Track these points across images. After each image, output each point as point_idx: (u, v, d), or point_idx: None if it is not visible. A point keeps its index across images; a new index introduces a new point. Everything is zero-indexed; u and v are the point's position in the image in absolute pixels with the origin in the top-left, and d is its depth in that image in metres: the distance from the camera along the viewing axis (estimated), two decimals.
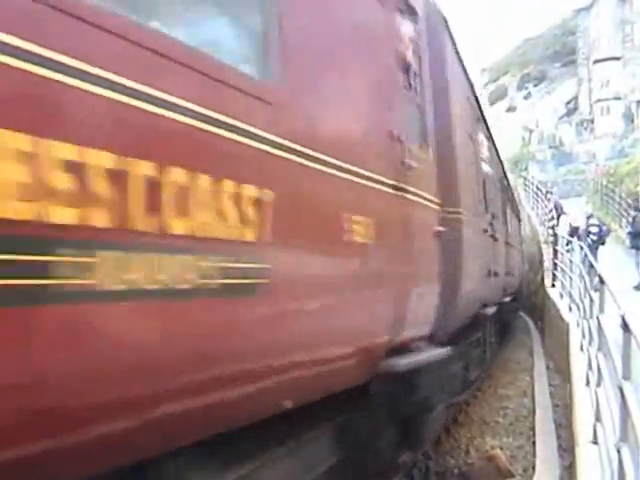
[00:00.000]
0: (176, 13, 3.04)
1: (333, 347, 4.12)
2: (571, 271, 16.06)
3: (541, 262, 23.39)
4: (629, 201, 30.84)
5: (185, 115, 2.55)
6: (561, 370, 13.74)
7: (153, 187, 2.36)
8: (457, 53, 9.27)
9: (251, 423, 3.26)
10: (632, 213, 23.59)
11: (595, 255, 17.92)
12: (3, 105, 1.88)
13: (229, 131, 2.82)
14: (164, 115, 2.44)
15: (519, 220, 23.25)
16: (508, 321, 18.04)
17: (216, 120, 2.74)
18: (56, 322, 2.06)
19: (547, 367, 15.09)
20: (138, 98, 2.33)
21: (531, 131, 79.22)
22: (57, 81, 2.03)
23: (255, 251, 3.01)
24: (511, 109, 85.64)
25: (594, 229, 21.05)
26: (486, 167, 12.13)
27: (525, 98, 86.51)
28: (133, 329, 2.38)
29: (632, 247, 20.17)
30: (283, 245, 3.25)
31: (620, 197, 33.10)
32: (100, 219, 2.13)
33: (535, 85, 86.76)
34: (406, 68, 5.56)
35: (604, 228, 21.56)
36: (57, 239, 2.01)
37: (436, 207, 6.30)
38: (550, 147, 72.80)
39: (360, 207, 4.25)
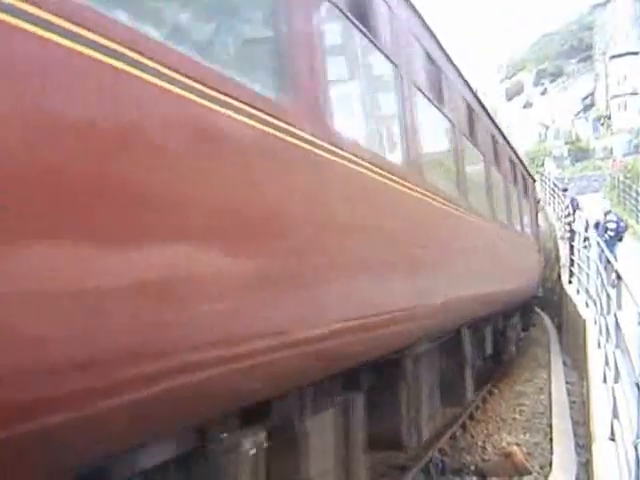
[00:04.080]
0: None
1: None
2: (588, 267, 15.99)
3: (557, 258, 23.29)
4: None
5: None
6: (578, 367, 13.70)
7: None
8: None
9: None
10: None
11: (613, 251, 17.80)
12: None
13: None
14: None
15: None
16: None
17: None
18: None
19: (564, 364, 15.06)
20: None
21: (547, 127, 78.94)
22: None
23: None
24: (527, 105, 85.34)
25: (612, 225, 20.89)
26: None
27: (541, 94, 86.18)
28: None
29: None
30: None
31: (637, 193, 32.90)
32: None
33: (551, 81, 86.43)
34: None
35: (622, 224, 21.38)
36: None
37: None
38: (566, 143, 72.54)
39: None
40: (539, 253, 18.77)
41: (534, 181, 20.00)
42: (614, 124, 71.01)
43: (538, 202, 21.80)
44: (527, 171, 17.47)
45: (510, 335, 13.96)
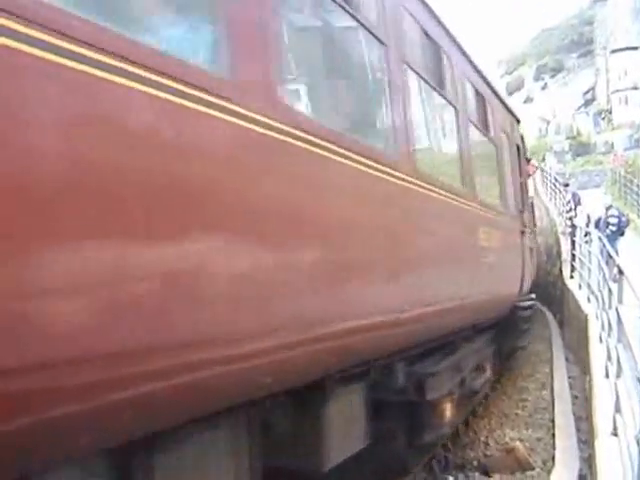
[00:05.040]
0: None
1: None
2: (589, 262, 15.98)
3: (559, 253, 23.26)
4: None
5: None
6: (580, 362, 13.69)
7: None
8: None
9: None
10: None
11: (615, 246, 17.80)
12: None
13: None
14: None
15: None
16: None
17: None
18: None
19: (566, 359, 15.04)
20: None
21: (548, 122, 78.91)
22: None
23: None
24: (528, 100, 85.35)
25: (613, 220, 20.87)
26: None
27: (542, 89, 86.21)
28: None
29: None
30: None
31: (638, 187, 32.87)
32: None
33: (552, 76, 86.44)
34: None
35: (623, 219, 21.34)
36: None
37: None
38: (567, 138, 72.54)
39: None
40: (523, 237, 11.70)
41: (518, 122, 13.18)
42: (615, 119, 71.00)
43: (528, 161, 15.76)
44: (507, 109, 11.81)
45: (439, 392, 6.97)
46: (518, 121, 13.10)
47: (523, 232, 11.71)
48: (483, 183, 8.89)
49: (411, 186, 5.56)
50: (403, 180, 5.37)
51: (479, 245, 8.13)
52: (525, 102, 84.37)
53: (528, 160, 15.55)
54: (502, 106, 11.09)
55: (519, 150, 12.57)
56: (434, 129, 7.61)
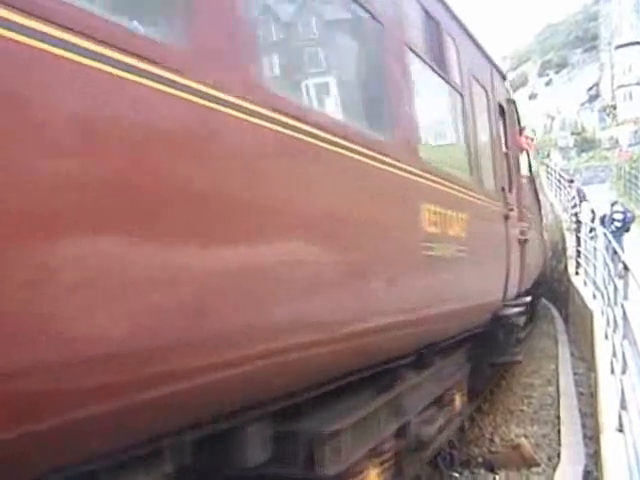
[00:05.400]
0: None
1: None
2: (595, 258, 15.96)
3: (564, 250, 23.23)
4: None
5: None
6: (585, 358, 13.68)
7: None
8: None
9: None
10: None
11: (620, 242, 17.77)
12: None
13: None
14: None
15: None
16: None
17: None
18: None
19: (571, 355, 15.03)
20: None
21: (553, 118, 78.67)
22: None
23: None
24: (532, 96, 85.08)
25: (618, 216, 20.83)
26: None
27: (546, 85, 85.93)
28: None
29: None
30: None
31: None
32: None
33: (556, 72, 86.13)
34: None
35: (629, 215, 21.31)
36: None
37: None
38: (572, 134, 72.28)
39: None
40: (508, 223, 8.84)
41: (504, 78, 10.60)
42: (620, 114, 70.70)
43: (522, 131, 12.71)
44: (486, 57, 9.05)
45: (347, 460, 4.33)
46: (504, 77, 10.45)
47: (507, 217, 8.81)
48: (433, 142, 6.70)
49: (262, 122, 3.24)
50: (244, 111, 3.10)
51: (420, 231, 5.31)
52: (530, 98, 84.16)
53: (521, 130, 12.52)
54: (476, 49, 8.27)
55: (504, 112, 9.77)
56: (332, 47, 5.10)
